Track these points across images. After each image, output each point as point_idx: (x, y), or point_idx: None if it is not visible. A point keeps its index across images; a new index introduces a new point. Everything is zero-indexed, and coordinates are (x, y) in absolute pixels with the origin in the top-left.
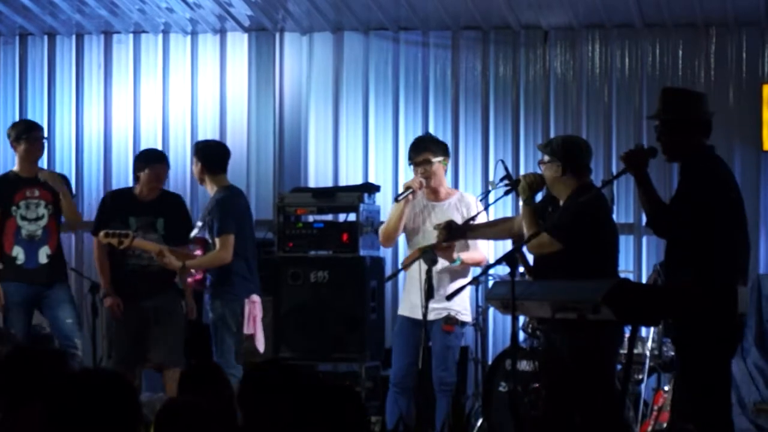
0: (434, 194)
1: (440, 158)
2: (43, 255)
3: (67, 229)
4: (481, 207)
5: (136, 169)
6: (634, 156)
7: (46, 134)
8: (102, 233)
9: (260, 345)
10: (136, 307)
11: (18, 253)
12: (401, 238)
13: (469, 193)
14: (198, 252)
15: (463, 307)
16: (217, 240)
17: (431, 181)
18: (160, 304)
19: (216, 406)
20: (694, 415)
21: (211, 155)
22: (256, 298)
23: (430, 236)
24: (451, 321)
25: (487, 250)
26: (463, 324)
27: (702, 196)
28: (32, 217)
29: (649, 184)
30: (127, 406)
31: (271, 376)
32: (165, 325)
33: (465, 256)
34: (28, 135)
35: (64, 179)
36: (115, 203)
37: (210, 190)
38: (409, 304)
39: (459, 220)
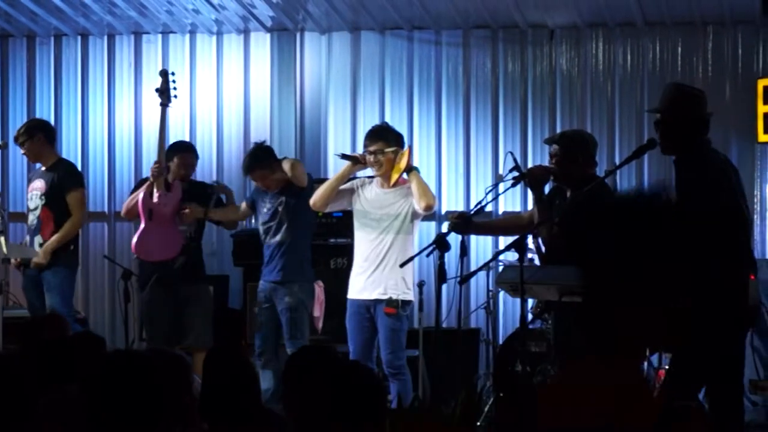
0: (386, 182)
1: (393, 148)
2: (36, 243)
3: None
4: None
5: (167, 159)
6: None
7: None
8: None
9: (319, 325)
10: (174, 290)
11: (26, 241)
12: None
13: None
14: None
15: (407, 286)
16: None
17: (382, 169)
18: (193, 286)
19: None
20: (711, 399)
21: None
22: (321, 283)
23: (380, 220)
24: (392, 304)
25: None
26: (406, 304)
27: (698, 191)
28: (32, 207)
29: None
30: (159, 387)
31: (312, 359)
32: (196, 308)
33: (417, 175)
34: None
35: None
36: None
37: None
38: (356, 287)
39: (414, 206)
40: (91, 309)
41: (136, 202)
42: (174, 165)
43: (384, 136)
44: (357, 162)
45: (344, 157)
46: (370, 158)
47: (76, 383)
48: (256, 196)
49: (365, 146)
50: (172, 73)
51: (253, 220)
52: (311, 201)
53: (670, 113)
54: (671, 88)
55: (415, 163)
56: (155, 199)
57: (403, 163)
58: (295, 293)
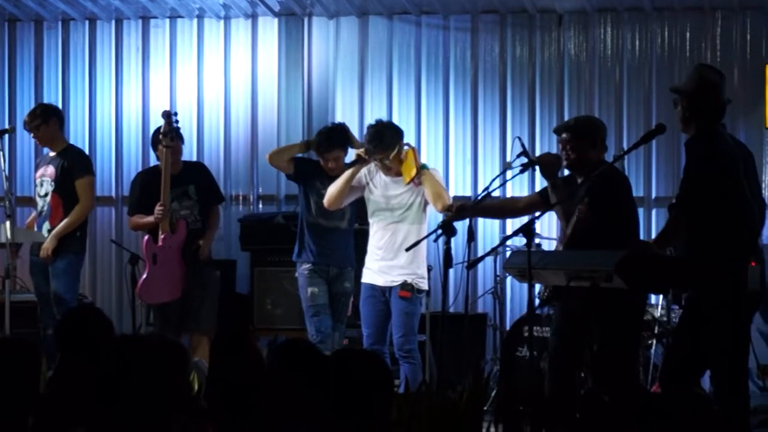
0: (396, 175)
1: (395, 150)
2: (45, 230)
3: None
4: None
5: (154, 148)
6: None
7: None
8: None
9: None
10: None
11: (36, 227)
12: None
13: (434, 168)
14: None
15: (421, 275)
16: None
17: (392, 171)
18: (200, 270)
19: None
20: (715, 385)
21: None
22: None
23: (393, 210)
24: (406, 287)
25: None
26: (420, 291)
27: (700, 174)
28: (42, 194)
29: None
30: (162, 373)
31: (294, 354)
32: (203, 294)
33: (429, 175)
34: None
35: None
36: (147, 181)
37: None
38: (370, 271)
39: (422, 193)
40: (98, 293)
41: (141, 225)
42: (160, 152)
43: (384, 145)
44: (363, 161)
45: (350, 164)
46: (377, 164)
47: (85, 366)
48: (312, 173)
49: (370, 153)
50: (175, 114)
51: (260, 204)
52: (325, 202)
53: (692, 100)
54: (698, 72)
55: (423, 149)
56: (160, 242)
57: (410, 161)
58: (352, 279)
